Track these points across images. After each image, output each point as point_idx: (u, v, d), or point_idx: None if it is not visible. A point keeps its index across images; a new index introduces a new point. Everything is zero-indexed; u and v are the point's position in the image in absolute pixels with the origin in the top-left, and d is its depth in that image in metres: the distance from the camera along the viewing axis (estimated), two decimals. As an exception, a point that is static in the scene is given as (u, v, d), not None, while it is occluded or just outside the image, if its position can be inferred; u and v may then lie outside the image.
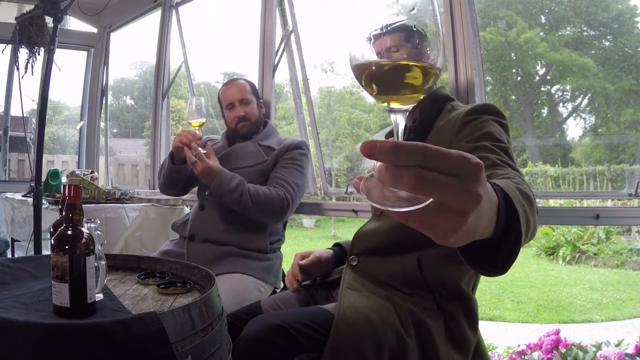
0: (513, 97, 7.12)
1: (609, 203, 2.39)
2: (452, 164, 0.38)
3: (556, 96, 7.22)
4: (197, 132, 1.74)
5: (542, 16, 6.70)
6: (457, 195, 0.39)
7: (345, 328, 1.07)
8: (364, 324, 1.08)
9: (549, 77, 7.08)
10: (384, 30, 0.45)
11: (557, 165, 6.62)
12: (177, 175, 1.90)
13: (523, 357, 2.26)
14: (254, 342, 1.05)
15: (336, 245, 1.46)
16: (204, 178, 1.70)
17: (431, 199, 0.39)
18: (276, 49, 2.77)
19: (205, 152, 1.71)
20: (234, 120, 1.94)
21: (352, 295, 1.17)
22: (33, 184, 1.93)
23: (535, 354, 2.23)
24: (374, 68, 0.45)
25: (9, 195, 3.08)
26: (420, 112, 1.25)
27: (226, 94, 1.96)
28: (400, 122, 0.49)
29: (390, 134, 1.42)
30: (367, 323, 1.08)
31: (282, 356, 1.05)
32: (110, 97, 4.33)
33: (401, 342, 1.08)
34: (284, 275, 1.96)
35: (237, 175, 1.73)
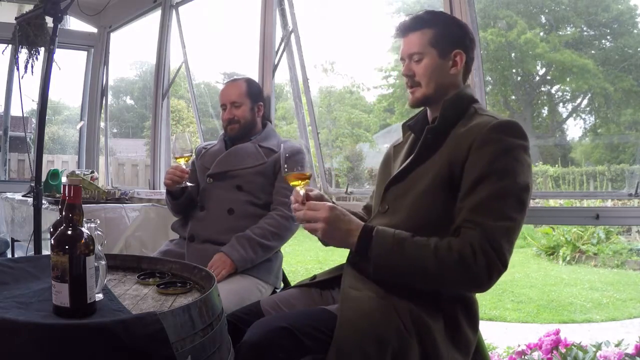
0: (513, 97, 7.12)
1: (609, 203, 2.39)
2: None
3: (556, 96, 7.21)
4: (184, 166, 1.78)
5: (542, 16, 6.70)
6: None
7: (348, 329, 1.07)
8: (366, 324, 1.08)
9: (549, 77, 7.08)
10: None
11: (557, 165, 6.61)
12: (183, 204, 1.93)
13: (523, 357, 2.26)
14: (260, 345, 1.05)
15: None
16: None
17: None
18: (276, 49, 2.77)
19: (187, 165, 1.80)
20: (225, 121, 1.95)
21: (353, 295, 1.17)
22: (33, 184, 1.93)
23: (535, 354, 2.23)
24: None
25: (9, 195, 3.07)
26: (442, 111, 1.21)
27: (222, 94, 1.97)
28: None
29: (397, 146, 1.41)
30: (369, 323, 1.08)
31: (288, 359, 1.04)
32: (110, 97, 4.34)
33: (403, 341, 1.08)
34: (284, 275, 1.97)
35: (243, 240, 1.74)
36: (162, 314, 0.83)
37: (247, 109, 1.94)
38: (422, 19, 1.26)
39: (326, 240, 1.17)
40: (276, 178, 1.87)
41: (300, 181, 1.21)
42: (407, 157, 1.31)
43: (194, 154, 1.99)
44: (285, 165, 1.21)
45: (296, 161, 1.20)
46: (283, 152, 1.24)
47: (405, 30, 1.28)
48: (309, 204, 1.14)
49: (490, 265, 1.01)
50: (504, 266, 1.03)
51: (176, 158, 1.78)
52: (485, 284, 1.03)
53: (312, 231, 1.15)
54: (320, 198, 1.27)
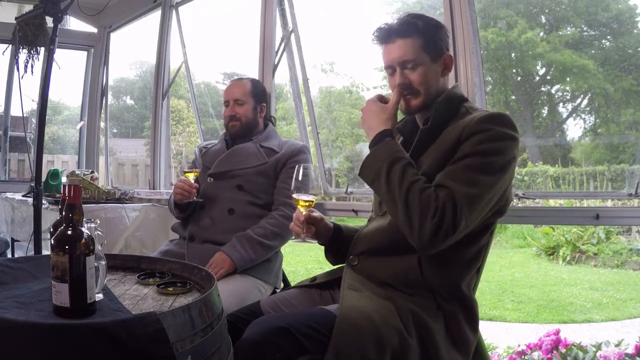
0: (513, 97, 7.12)
1: (609, 203, 2.39)
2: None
3: (556, 96, 7.22)
4: (192, 180, 1.79)
5: (542, 16, 6.70)
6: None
7: (347, 329, 1.07)
8: (366, 325, 1.08)
9: (549, 77, 7.08)
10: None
11: (557, 165, 6.61)
12: (190, 215, 1.93)
13: (523, 357, 2.26)
14: (257, 344, 1.05)
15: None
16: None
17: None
18: (276, 49, 2.77)
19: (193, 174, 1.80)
20: (227, 118, 1.95)
21: (353, 296, 1.17)
22: (33, 184, 1.93)
23: (535, 354, 2.23)
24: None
25: (9, 195, 3.07)
26: (435, 113, 1.23)
27: (226, 92, 1.98)
28: None
29: None
30: (369, 323, 1.08)
31: (285, 358, 1.04)
32: (110, 97, 4.33)
33: (403, 342, 1.08)
34: (284, 275, 1.97)
35: (243, 240, 1.74)
36: (162, 314, 0.83)
37: (249, 108, 1.94)
38: (411, 24, 1.23)
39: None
40: (277, 178, 1.87)
41: (307, 203, 1.25)
42: None
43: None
44: (295, 187, 1.24)
45: (306, 185, 1.25)
46: (296, 172, 1.25)
47: (393, 35, 1.24)
48: None
49: (440, 222, 1.06)
50: (454, 230, 1.06)
51: (185, 173, 1.79)
52: (427, 238, 1.07)
53: None
54: (321, 220, 1.30)
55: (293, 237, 1.31)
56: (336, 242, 1.36)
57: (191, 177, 1.79)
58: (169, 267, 1.31)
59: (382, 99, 1.26)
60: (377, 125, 1.22)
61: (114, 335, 0.77)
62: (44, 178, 2.49)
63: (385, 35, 1.25)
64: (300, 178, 1.23)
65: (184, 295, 1.11)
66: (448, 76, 1.31)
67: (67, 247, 0.88)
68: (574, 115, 7.11)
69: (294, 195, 1.24)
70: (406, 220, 1.09)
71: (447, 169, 1.13)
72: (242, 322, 1.25)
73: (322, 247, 1.40)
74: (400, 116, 1.34)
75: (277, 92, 2.84)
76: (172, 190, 1.90)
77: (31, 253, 1.99)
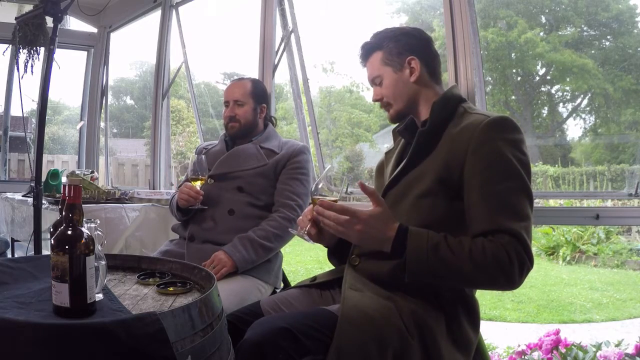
0: (513, 97, 7.12)
1: (609, 203, 2.39)
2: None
3: (556, 96, 7.22)
4: (198, 187, 1.79)
5: (542, 16, 6.70)
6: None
7: (349, 329, 1.07)
8: (367, 325, 1.08)
9: (549, 77, 7.08)
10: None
11: (557, 165, 6.61)
12: (191, 217, 1.94)
13: (523, 357, 2.26)
14: (259, 345, 1.04)
15: None
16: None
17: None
18: (276, 49, 2.77)
19: (199, 179, 1.79)
20: (226, 119, 1.95)
21: (354, 296, 1.17)
22: (33, 184, 1.93)
23: (535, 354, 2.23)
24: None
25: (9, 195, 3.07)
26: (432, 114, 1.22)
27: (226, 92, 1.97)
28: None
29: (388, 153, 1.44)
30: (370, 324, 1.08)
31: (287, 359, 1.04)
32: (110, 97, 4.33)
33: (404, 342, 1.08)
34: (284, 275, 1.97)
35: (245, 241, 1.74)
36: (162, 314, 0.83)
37: (249, 109, 1.93)
38: (369, 44, 1.32)
39: (360, 245, 1.22)
40: (277, 179, 1.87)
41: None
42: (398, 162, 1.32)
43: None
44: (317, 188, 1.22)
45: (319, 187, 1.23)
46: (325, 171, 1.28)
47: (362, 60, 1.34)
48: (342, 209, 1.11)
49: (522, 265, 1.06)
50: (532, 263, 1.08)
51: (191, 180, 1.79)
52: (517, 282, 1.08)
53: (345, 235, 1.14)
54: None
55: (296, 230, 1.29)
56: (340, 245, 1.36)
57: (197, 184, 1.80)
58: (169, 267, 1.31)
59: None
60: (383, 228, 1.10)
61: (114, 335, 0.77)
62: (44, 178, 2.49)
63: (360, 61, 1.36)
64: (326, 179, 1.23)
65: (184, 295, 1.11)
66: (428, 75, 1.28)
67: (67, 247, 0.88)
68: (574, 115, 7.12)
69: (315, 195, 1.20)
70: (493, 283, 1.10)
71: (489, 203, 1.08)
72: (242, 322, 1.25)
73: (322, 246, 1.40)
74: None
75: (277, 92, 2.84)
76: (172, 191, 1.90)
77: (31, 253, 1.99)
